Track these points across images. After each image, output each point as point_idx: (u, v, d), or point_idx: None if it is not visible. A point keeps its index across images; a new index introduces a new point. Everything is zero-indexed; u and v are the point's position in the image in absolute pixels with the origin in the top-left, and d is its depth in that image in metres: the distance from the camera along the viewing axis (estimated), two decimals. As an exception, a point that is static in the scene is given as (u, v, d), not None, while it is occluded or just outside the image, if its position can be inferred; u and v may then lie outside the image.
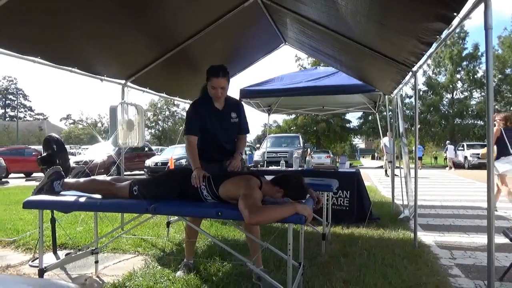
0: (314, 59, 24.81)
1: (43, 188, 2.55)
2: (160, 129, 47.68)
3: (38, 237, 2.48)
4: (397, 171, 6.64)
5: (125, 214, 4.52)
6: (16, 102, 52.84)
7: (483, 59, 26.92)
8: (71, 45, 3.25)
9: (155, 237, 4.05)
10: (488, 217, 1.96)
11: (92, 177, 2.77)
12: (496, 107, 27.29)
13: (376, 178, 12.55)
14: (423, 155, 23.08)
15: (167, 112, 47.57)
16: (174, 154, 12.96)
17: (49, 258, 3.21)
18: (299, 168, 5.37)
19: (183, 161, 12.20)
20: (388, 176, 11.04)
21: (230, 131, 2.86)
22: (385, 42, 3.12)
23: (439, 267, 3.08)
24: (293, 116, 30.71)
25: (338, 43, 3.64)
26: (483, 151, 7.63)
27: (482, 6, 1.83)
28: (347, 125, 34.43)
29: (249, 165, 6.10)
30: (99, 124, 51.50)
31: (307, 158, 5.67)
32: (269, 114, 7.74)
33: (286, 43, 5.08)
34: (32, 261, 3.29)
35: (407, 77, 3.77)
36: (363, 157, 42.96)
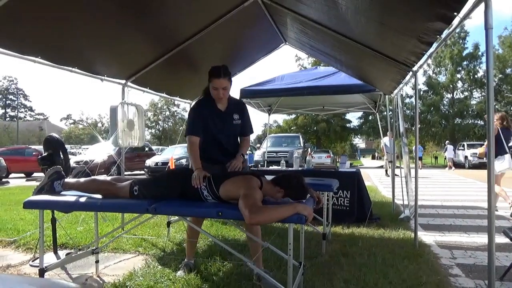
0: (314, 59, 24.75)
1: (43, 188, 2.55)
2: (161, 129, 47.67)
3: (38, 237, 2.48)
4: (397, 171, 6.63)
5: (125, 214, 4.52)
6: (16, 102, 52.93)
7: (484, 59, 27.01)
8: (71, 45, 3.25)
9: (156, 237, 4.05)
10: (489, 216, 1.96)
11: (93, 177, 2.77)
12: (497, 107, 27.25)
13: (376, 178, 12.55)
14: (423, 155, 23.08)
15: (168, 112, 47.57)
16: (174, 154, 12.97)
17: (49, 258, 3.21)
18: (300, 168, 5.38)
19: (184, 161, 12.20)
20: (389, 176, 11.02)
21: (232, 133, 2.84)
22: (386, 42, 3.12)
23: (439, 267, 3.08)
24: (294, 116, 30.68)
25: (339, 43, 3.64)
26: (481, 149, 7.64)
27: (482, 5, 1.83)
28: (348, 125, 34.38)
29: (250, 165, 6.10)
30: (100, 124, 51.59)
31: (307, 158, 5.68)
32: (269, 114, 7.73)
33: (287, 43, 5.08)
34: (32, 261, 3.29)
35: (408, 77, 3.76)
36: (364, 157, 42.91)
